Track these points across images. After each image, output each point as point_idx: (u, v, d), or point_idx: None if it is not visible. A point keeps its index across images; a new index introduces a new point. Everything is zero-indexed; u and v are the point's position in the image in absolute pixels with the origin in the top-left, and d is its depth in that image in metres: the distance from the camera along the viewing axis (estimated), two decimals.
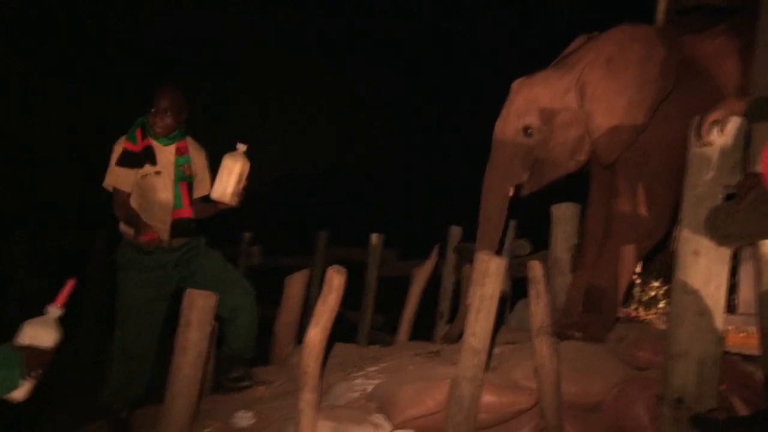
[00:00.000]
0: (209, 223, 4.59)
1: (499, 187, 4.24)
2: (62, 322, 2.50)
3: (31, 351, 2.39)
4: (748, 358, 3.58)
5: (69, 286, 2.64)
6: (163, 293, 4.23)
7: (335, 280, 3.18)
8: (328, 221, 8.00)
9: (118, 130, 4.20)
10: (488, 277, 3.25)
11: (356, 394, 3.82)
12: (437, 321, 5.83)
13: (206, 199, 4.28)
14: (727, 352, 3.33)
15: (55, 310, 2.56)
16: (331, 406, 3.65)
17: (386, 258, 6.70)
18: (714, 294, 3.10)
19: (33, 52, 16.51)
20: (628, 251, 4.20)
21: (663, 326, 4.14)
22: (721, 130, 3.09)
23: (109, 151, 4.19)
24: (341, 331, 3.72)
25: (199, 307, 3.40)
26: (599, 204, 4.53)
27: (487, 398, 3.32)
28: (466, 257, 5.71)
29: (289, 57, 19.08)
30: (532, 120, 4.15)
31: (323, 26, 19.78)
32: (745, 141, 3.22)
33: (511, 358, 3.86)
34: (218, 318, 4.33)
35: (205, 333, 3.44)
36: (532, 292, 3.48)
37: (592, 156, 4.34)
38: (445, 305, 5.89)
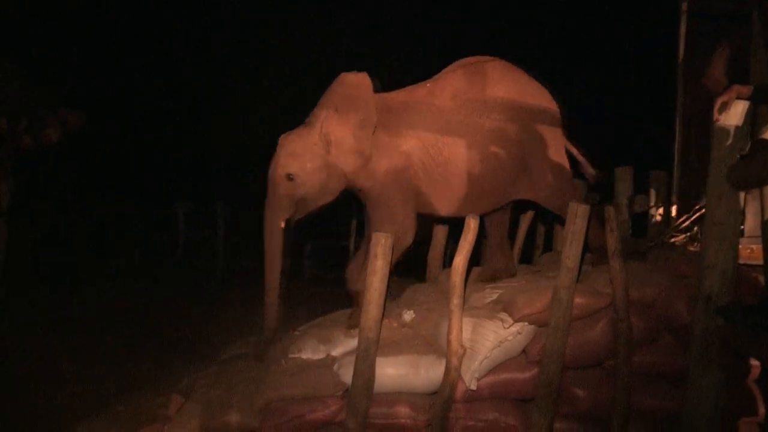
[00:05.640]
0: None
1: (273, 222, 4.51)
2: None
3: None
4: (752, 267, 4.02)
5: None
6: None
7: (472, 223, 3.64)
8: None
9: None
10: (577, 217, 3.65)
11: (487, 300, 4.29)
12: (535, 251, 6.38)
13: None
14: (739, 264, 3.72)
15: None
16: (470, 308, 4.14)
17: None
18: (732, 224, 3.52)
19: None
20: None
21: (692, 248, 4.56)
22: (727, 110, 3.43)
23: None
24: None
25: (382, 244, 3.58)
26: None
27: (578, 300, 3.74)
28: None
29: None
30: (293, 168, 4.41)
31: None
32: (752, 118, 3.54)
33: (594, 273, 4.30)
34: None
35: (387, 260, 3.60)
36: (607, 227, 3.87)
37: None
38: (540, 240, 6.44)
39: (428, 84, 4.72)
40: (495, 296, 4.30)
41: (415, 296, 4.79)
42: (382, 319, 3.70)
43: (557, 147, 4.71)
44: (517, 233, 6.08)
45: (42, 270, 9.49)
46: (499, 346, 3.80)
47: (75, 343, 6.20)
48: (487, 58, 4.81)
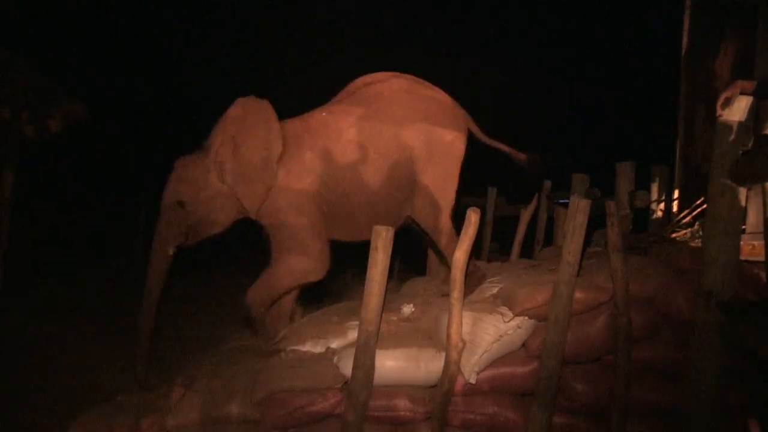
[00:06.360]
0: None
1: (161, 248, 4.43)
2: None
3: None
4: (753, 264, 4.02)
5: None
6: None
7: (473, 217, 3.59)
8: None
9: None
10: (578, 212, 3.59)
11: (487, 294, 4.28)
12: (535, 245, 6.41)
13: None
14: (740, 260, 3.67)
15: None
16: (470, 302, 4.13)
17: (499, 203, 7.37)
18: (734, 220, 3.48)
19: None
20: (283, 284, 4.40)
21: (693, 244, 4.49)
22: (730, 106, 3.38)
23: None
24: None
25: (383, 237, 3.51)
26: None
27: (578, 295, 3.73)
28: (554, 201, 6.47)
29: None
30: (183, 196, 4.33)
31: None
32: (755, 114, 3.53)
33: (594, 268, 4.25)
34: None
35: (388, 253, 3.52)
36: (608, 222, 3.83)
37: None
38: (540, 235, 6.49)
39: (326, 109, 4.61)
40: (495, 290, 4.28)
41: (415, 290, 4.79)
42: (382, 312, 3.66)
43: (447, 167, 4.59)
44: (517, 228, 6.08)
45: (42, 269, 9.43)
46: (498, 339, 3.78)
47: (76, 338, 6.15)
48: (387, 74, 4.70)
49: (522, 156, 4.83)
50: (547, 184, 6.50)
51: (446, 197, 4.57)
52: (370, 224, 4.32)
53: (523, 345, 3.92)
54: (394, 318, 4.23)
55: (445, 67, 4.87)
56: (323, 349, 4.10)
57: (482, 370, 3.77)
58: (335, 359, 3.90)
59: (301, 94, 4.60)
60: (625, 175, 5.70)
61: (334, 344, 4.12)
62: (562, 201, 6.03)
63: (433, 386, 3.78)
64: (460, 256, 3.64)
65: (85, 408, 4.24)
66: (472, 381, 3.72)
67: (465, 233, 3.65)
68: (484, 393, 3.82)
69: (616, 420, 3.76)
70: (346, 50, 17.39)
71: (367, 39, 17.55)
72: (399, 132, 4.45)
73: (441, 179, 4.53)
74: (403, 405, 3.74)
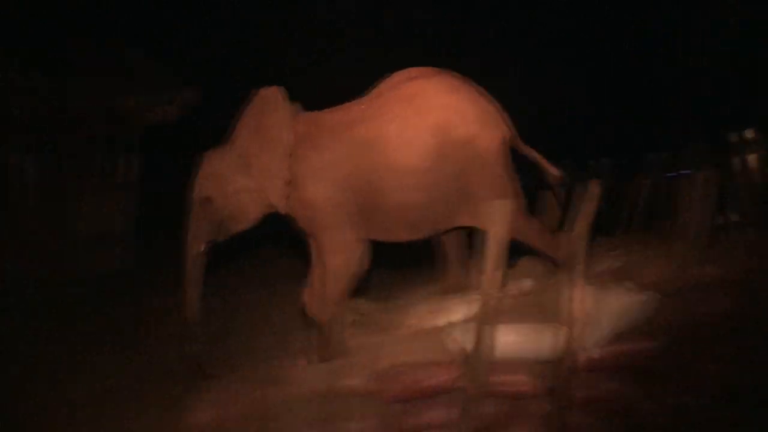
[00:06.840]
0: None
1: (191, 246, 4.37)
2: None
3: None
4: None
5: None
6: None
7: (595, 189, 3.54)
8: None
9: None
10: (700, 184, 3.72)
11: (609, 268, 4.24)
12: (653, 219, 6.09)
13: None
14: None
15: None
16: (593, 276, 4.03)
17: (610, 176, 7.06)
18: None
19: None
20: (338, 281, 4.22)
21: None
22: None
23: None
24: None
25: (501, 210, 3.44)
26: None
27: (708, 270, 3.73)
28: (673, 174, 6.23)
29: None
30: (210, 191, 4.25)
31: None
32: None
33: (728, 242, 4.17)
34: None
35: (507, 227, 3.42)
36: (740, 194, 3.97)
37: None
38: (659, 208, 6.12)
39: (364, 102, 4.39)
40: (618, 264, 4.19)
41: (534, 264, 4.70)
42: (502, 286, 3.62)
43: (500, 169, 4.26)
44: (638, 201, 5.92)
45: None
46: (622, 314, 3.70)
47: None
48: (431, 70, 4.43)
49: (555, 172, 4.46)
50: (664, 156, 6.27)
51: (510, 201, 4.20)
52: (403, 226, 4.26)
53: (648, 320, 3.79)
54: (515, 292, 4.20)
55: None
56: (443, 323, 4.11)
57: (605, 346, 3.69)
58: (455, 333, 3.90)
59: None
60: (741, 145, 5.39)
61: (454, 318, 4.12)
62: (683, 172, 5.81)
63: (554, 361, 3.71)
64: (581, 228, 3.57)
65: (210, 376, 4.39)
66: (595, 356, 3.66)
67: (586, 206, 3.57)
68: (607, 369, 3.73)
69: (746, 404, 3.59)
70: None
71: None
72: (443, 136, 4.17)
73: (498, 186, 4.23)
74: (524, 380, 3.70)
